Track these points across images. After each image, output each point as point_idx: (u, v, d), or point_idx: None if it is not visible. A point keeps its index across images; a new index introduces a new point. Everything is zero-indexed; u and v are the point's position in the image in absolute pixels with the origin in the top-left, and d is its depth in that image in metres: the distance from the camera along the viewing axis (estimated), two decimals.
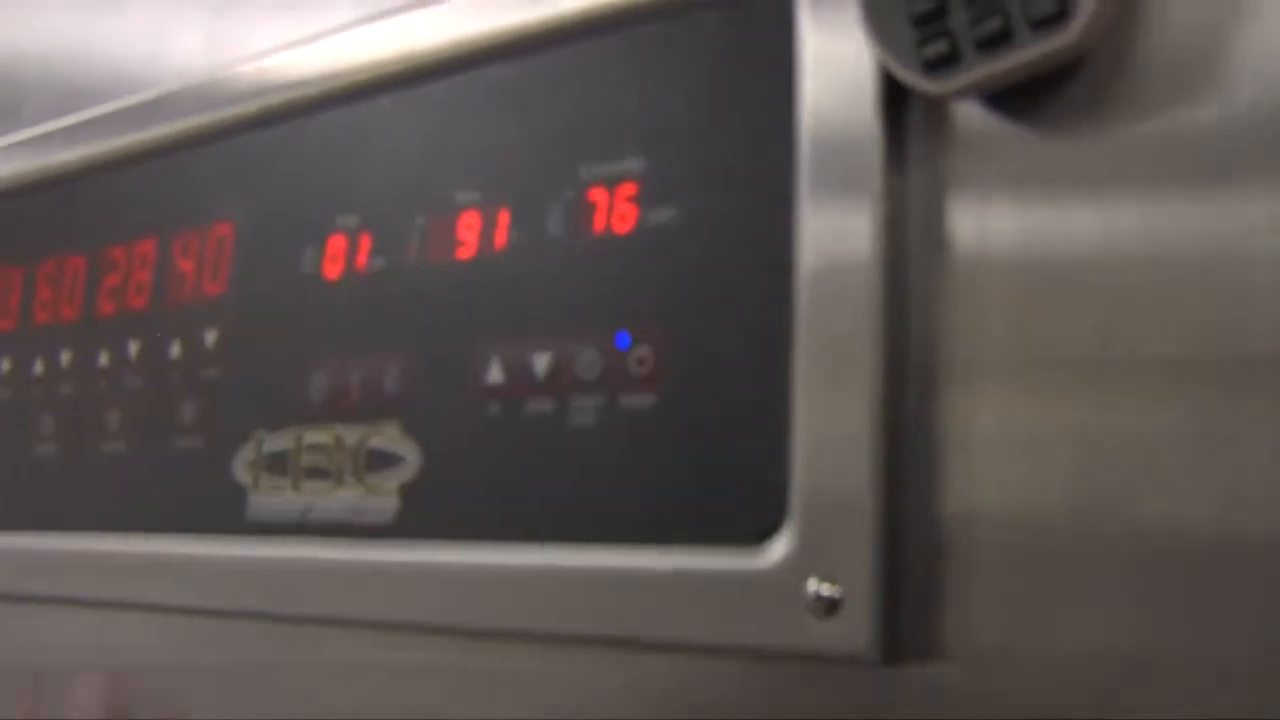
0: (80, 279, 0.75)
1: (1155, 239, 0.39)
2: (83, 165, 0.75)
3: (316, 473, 0.59)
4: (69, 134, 0.75)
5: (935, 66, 0.41)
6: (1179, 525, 0.38)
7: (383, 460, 0.57)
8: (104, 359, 0.72)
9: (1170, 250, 0.39)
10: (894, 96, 0.43)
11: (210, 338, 0.66)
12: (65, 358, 0.75)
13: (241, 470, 0.63)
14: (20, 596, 0.74)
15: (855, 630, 0.43)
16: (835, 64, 0.44)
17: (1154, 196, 0.39)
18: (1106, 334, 0.40)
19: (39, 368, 0.76)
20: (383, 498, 0.57)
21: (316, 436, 0.60)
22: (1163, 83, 0.39)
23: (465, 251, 0.55)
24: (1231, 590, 0.37)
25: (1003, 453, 0.41)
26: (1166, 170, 0.39)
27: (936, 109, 0.43)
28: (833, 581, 0.43)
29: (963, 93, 0.41)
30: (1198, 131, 0.39)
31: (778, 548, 0.44)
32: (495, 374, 0.53)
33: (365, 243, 0.59)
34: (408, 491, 0.56)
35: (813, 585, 0.43)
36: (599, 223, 0.51)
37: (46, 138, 0.77)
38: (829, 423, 0.43)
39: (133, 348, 0.70)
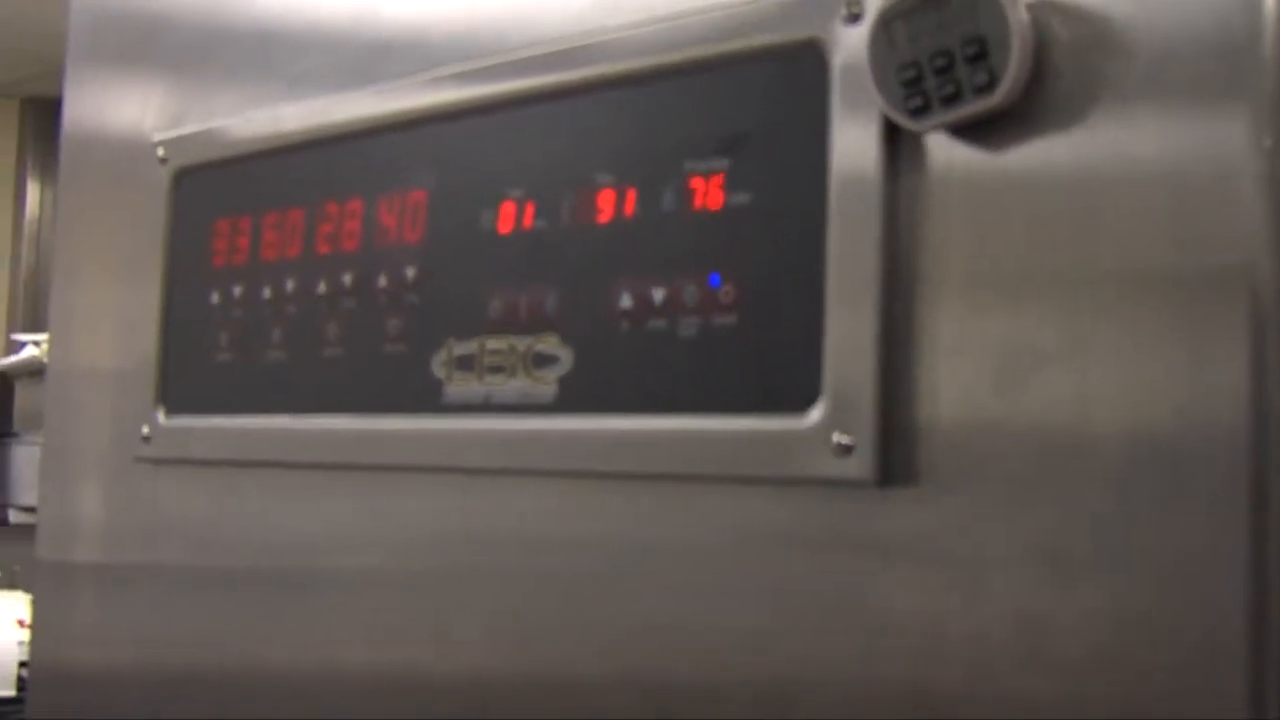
0: (300, 227, 1.01)
1: (1038, 201, 0.64)
2: (302, 139, 1.01)
3: (495, 369, 0.85)
4: (291, 115, 1.01)
5: (916, 113, 0.66)
6: (1081, 419, 0.64)
7: (545, 360, 0.83)
8: (323, 287, 0.98)
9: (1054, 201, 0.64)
10: (891, 130, 0.68)
11: (410, 272, 0.92)
12: (290, 285, 1.01)
13: (438, 368, 0.89)
14: (262, 463, 1.00)
15: (862, 465, 0.68)
16: (854, 107, 0.69)
17: (1047, 176, 0.64)
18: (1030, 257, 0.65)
19: (268, 293, 1.02)
20: (545, 386, 0.83)
21: (495, 344, 0.85)
22: (1052, 123, 0.64)
23: (604, 217, 0.81)
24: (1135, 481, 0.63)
25: (955, 352, 0.67)
26: (1053, 168, 0.64)
27: (917, 137, 0.68)
28: (848, 434, 0.69)
29: (932, 129, 0.67)
30: (1073, 154, 0.64)
31: (814, 414, 0.70)
32: (626, 301, 0.79)
33: (530, 208, 0.85)
34: (564, 381, 0.82)
35: (836, 437, 0.69)
36: (698, 201, 0.76)
37: (274, 116, 1.02)
38: (847, 329, 0.69)
39: (346, 278, 0.96)
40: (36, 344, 3.46)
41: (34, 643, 1.24)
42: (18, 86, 5.10)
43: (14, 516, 4.71)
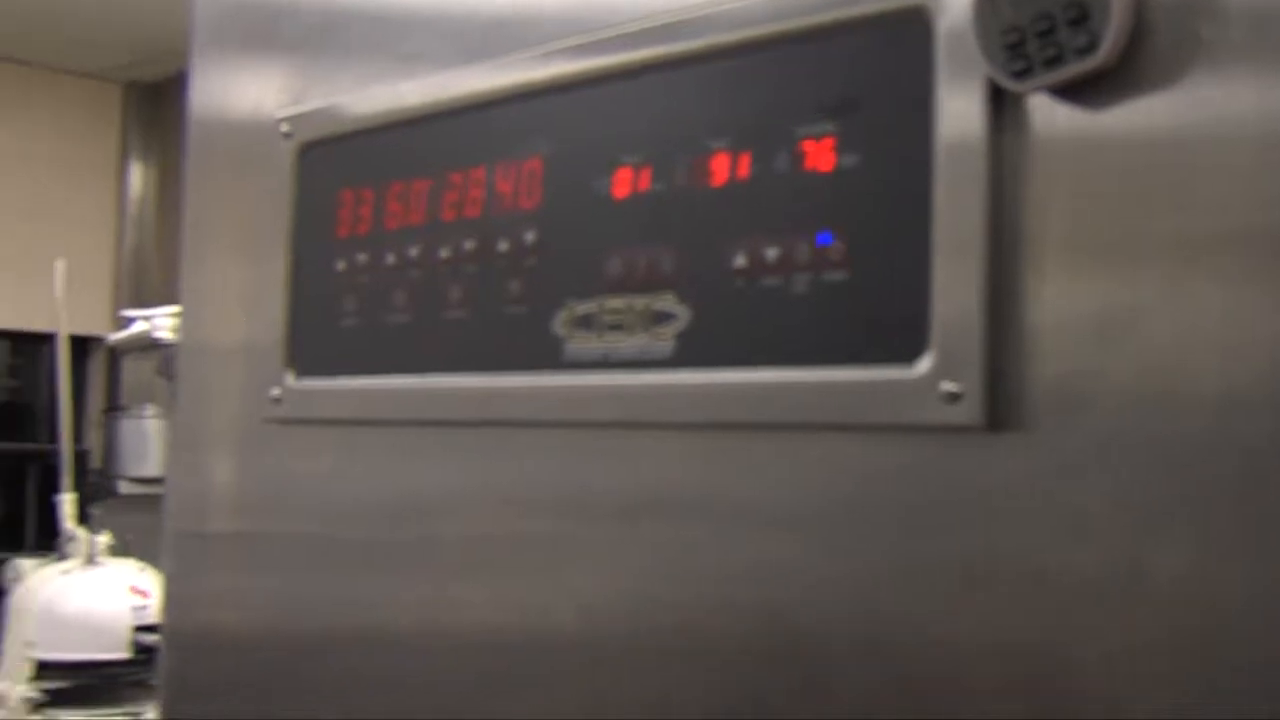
0: (423, 195, 1.06)
1: (1136, 160, 0.68)
2: (422, 112, 1.06)
3: (615, 327, 0.90)
4: (411, 90, 1.06)
5: (1018, 75, 0.70)
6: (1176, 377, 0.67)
7: (662, 318, 0.87)
8: (445, 252, 1.03)
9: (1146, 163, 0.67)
10: (995, 92, 0.72)
11: (530, 237, 0.96)
12: (413, 251, 1.06)
13: (559, 327, 0.93)
14: (387, 421, 1.06)
15: (970, 411, 0.72)
16: (958, 70, 0.73)
17: (1144, 135, 0.68)
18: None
19: (392, 259, 1.07)
20: (663, 342, 0.87)
21: (614, 303, 0.90)
22: (1149, 84, 0.67)
23: (718, 180, 0.85)
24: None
25: (1058, 304, 0.70)
26: (1151, 128, 0.67)
27: (1020, 99, 0.71)
28: (956, 382, 0.72)
29: (1034, 91, 0.70)
30: (1171, 114, 0.67)
31: (924, 363, 0.74)
32: (740, 260, 0.83)
33: (646, 173, 0.89)
34: (681, 337, 0.86)
35: (945, 385, 0.73)
36: (810, 163, 0.80)
37: (395, 92, 1.07)
38: (954, 283, 0.73)
39: (468, 244, 1.01)
40: (146, 319, 3.56)
41: (167, 609, 1.30)
42: (120, 71, 5.21)
43: (123, 487, 4.86)
